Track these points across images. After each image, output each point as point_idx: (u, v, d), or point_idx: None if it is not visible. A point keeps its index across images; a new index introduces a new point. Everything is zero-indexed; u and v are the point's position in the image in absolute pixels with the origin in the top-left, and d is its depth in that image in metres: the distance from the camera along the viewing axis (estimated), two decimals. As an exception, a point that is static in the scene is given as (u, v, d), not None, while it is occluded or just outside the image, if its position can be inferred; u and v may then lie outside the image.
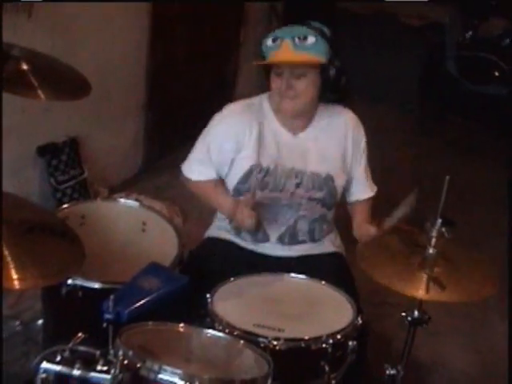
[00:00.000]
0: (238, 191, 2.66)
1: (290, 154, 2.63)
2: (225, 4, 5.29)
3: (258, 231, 2.67)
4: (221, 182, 2.72)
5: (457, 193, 4.19)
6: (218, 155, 2.66)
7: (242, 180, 2.63)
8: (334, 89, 2.59)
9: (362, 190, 2.80)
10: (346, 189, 2.78)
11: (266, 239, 2.70)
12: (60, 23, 3.74)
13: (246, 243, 2.74)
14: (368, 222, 2.68)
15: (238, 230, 2.74)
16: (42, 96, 2.48)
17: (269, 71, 2.59)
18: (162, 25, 4.58)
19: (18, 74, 2.49)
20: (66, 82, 2.62)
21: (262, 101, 2.69)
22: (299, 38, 2.46)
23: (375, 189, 2.83)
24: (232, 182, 2.67)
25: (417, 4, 6.35)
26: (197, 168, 2.71)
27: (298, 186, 2.63)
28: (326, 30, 2.53)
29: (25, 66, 2.50)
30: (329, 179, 2.65)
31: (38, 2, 3.45)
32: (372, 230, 2.56)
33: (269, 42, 2.51)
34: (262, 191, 2.61)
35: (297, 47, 2.46)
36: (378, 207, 4.09)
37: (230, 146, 2.63)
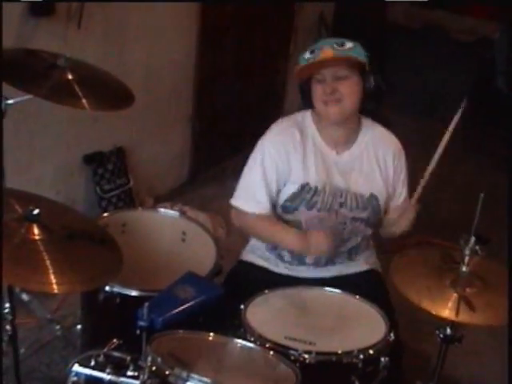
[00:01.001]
0: (285, 209, 2.63)
1: (335, 173, 2.61)
2: (275, 15, 5.31)
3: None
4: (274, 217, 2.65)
5: (501, 210, 4.17)
6: (276, 178, 2.59)
7: (291, 198, 2.60)
8: (373, 96, 2.57)
9: (395, 199, 2.75)
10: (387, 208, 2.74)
11: (303, 262, 2.68)
12: (109, 33, 3.81)
13: (279, 268, 2.72)
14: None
15: (272, 247, 2.72)
16: (87, 106, 2.54)
17: (305, 91, 2.58)
18: (210, 35, 4.61)
19: (64, 84, 2.55)
20: (110, 93, 2.68)
21: (305, 118, 2.66)
22: (337, 44, 2.49)
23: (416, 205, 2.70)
24: (280, 199, 2.63)
25: (467, 19, 6.31)
26: (252, 198, 2.60)
27: (341, 205, 2.61)
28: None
29: (70, 76, 2.56)
30: (373, 199, 2.63)
31: (88, 12, 3.51)
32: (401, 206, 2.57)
33: (306, 54, 2.52)
34: (309, 210, 2.59)
35: (336, 51, 2.47)
36: (427, 225, 4.09)
37: (283, 166, 2.58)
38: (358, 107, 2.58)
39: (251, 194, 2.61)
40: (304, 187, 2.58)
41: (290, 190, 2.59)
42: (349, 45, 2.49)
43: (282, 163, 2.57)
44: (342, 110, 2.53)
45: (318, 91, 2.55)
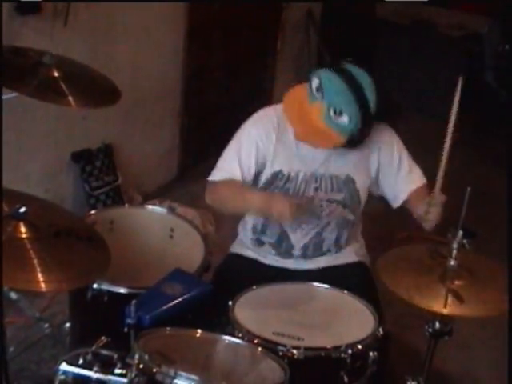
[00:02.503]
0: None
1: (312, 160, 2.63)
2: (262, 10, 5.30)
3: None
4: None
5: (491, 204, 4.18)
6: (255, 157, 2.61)
7: (265, 186, 2.64)
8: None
9: (403, 189, 2.70)
10: (387, 197, 2.74)
11: (290, 249, 2.69)
12: (96, 31, 3.79)
13: (269, 260, 2.73)
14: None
15: (259, 242, 2.74)
16: (73, 103, 2.53)
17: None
18: (198, 31, 4.60)
19: (50, 81, 2.54)
20: (96, 90, 2.68)
21: None
22: (335, 111, 2.44)
23: (424, 180, 2.72)
24: (258, 186, 2.66)
25: (455, 14, 6.32)
26: (225, 168, 2.63)
27: (316, 189, 2.63)
28: (367, 85, 2.46)
29: (56, 74, 2.55)
30: (349, 181, 2.64)
31: (74, 9, 3.50)
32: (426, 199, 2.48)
33: (314, 83, 2.48)
34: None
35: (327, 120, 2.45)
36: (415, 220, 4.09)
37: (264, 147, 2.61)
38: None
39: (223, 165, 2.64)
40: (277, 174, 2.62)
41: (264, 176, 2.64)
42: (343, 119, 2.44)
43: (261, 143, 2.60)
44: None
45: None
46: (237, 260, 2.77)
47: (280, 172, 2.62)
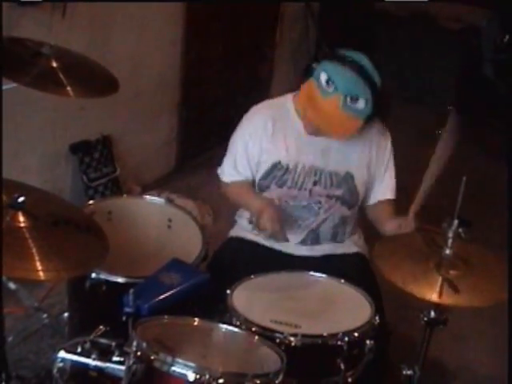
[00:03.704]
0: (260, 187, 2.71)
1: (310, 152, 2.66)
2: (261, 3, 5.30)
3: (277, 239, 2.66)
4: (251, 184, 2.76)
5: (489, 195, 4.19)
6: (246, 156, 2.70)
7: (264, 176, 2.68)
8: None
9: (382, 192, 2.77)
10: (368, 193, 2.77)
11: (287, 241, 2.70)
12: (95, 22, 3.79)
13: (270, 242, 2.75)
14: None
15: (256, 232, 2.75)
16: (71, 93, 2.53)
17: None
18: (196, 23, 4.60)
19: (48, 72, 2.54)
20: (94, 80, 2.68)
21: (286, 101, 2.71)
22: (351, 98, 2.46)
23: (394, 195, 2.79)
24: (256, 178, 2.72)
25: (454, 6, 6.31)
26: (229, 171, 2.76)
27: (315, 183, 2.65)
28: (375, 75, 2.51)
29: (55, 64, 2.55)
30: (348, 177, 2.67)
31: (73, 2, 3.51)
32: (399, 220, 2.57)
33: (323, 78, 2.49)
34: (280, 188, 2.65)
35: (345, 107, 2.47)
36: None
37: (254, 145, 2.67)
38: None
39: (228, 168, 2.77)
40: (276, 165, 2.65)
41: (263, 168, 2.67)
42: (361, 103, 2.47)
43: (251, 140, 2.68)
44: (317, 135, 2.62)
45: (305, 118, 2.61)
46: (237, 243, 2.80)
47: (279, 163, 2.65)
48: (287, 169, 2.64)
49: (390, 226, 2.63)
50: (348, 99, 2.46)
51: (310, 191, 2.65)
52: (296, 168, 2.64)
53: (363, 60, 2.50)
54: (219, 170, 2.81)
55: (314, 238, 2.71)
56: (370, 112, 2.50)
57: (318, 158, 2.65)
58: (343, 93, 2.46)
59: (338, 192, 2.66)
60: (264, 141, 2.66)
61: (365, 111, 2.49)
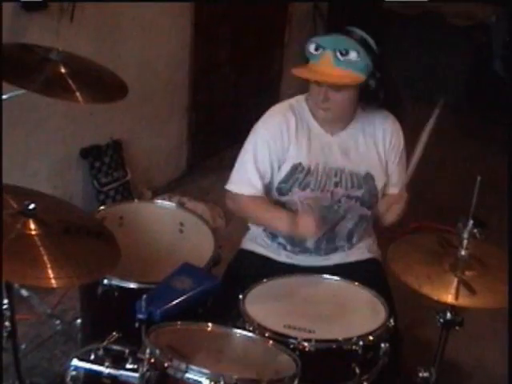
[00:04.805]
0: (279, 190, 2.64)
1: (330, 154, 2.62)
2: (269, 4, 5.29)
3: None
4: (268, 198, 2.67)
5: (500, 194, 4.16)
6: (269, 159, 2.60)
7: (284, 179, 2.61)
8: (373, 100, 2.57)
9: (392, 188, 2.73)
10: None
11: (304, 242, 2.67)
12: (103, 26, 3.79)
13: (282, 257, 2.72)
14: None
15: (273, 236, 2.72)
16: (80, 99, 2.53)
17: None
18: (205, 25, 4.59)
19: (57, 78, 2.54)
20: (103, 85, 2.68)
21: (301, 102, 2.67)
22: (341, 52, 2.43)
23: (404, 194, 2.69)
24: (274, 181, 2.64)
25: (464, 4, 6.29)
26: (248, 180, 2.61)
27: (336, 184, 2.61)
28: (370, 40, 2.49)
29: (63, 70, 2.55)
30: (369, 178, 2.64)
31: (80, 6, 3.50)
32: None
33: (311, 48, 2.49)
34: (303, 191, 2.60)
35: (337, 62, 2.43)
36: (424, 210, 4.06)
37: (276, 146, 2.59)
38: (351, 110, 2.61)
39: (243, 176, 2.63)
40: (297, 168, 2.59)
41: (283, 171, 2.61)
42: (352, 55, 2.43)
43: (274, 144, 2.59)
44: (330, 116, 2.58)
45: (313, 91, 2.56)
46: (249, 257, 2.76)
47: (300, 165, 2.59)
48: (309, 170, 2.59)
49: (381, 204, 2.63)
50: (338, 54, 2.42)
51: (332, 193, 2.61)
52: (317, 170, 2.59)
53: (352, 28, 2.50)
54: (230, 183, 2.66)
55: (330, 237, 2.67)
56: (370, 69, 2.46)
57: (338, 158, 2.62)
58: (331, 49, 2.43)
59: (359, 193, 2.63)
60: (286, 142, 2.59)
61: (361, 63, 2.44)
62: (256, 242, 2.78)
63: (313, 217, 2.46)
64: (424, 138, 2.46)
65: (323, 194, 2.61)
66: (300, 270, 2.64)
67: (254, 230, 2.80)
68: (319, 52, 2.46)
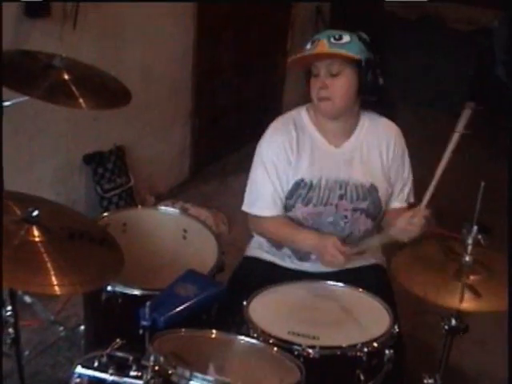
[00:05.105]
0: (284, 207, 2.63)
1: (333, 165, 2.60)
2: (271, 10, 5.31)
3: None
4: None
5: (503, 199, 4.14)
6: (278, 178, 2.60)
7: (288, 195, 2.60)
8: (371, 90, 2.55)
9: (394, 200, 2.72)
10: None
11: (307, 259, 2.68)
12: (106, 32, 3.80)
13: (287, 262, 2.71)
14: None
15: (277, 244, 2.71)
16: (84, 105, 2.53)
17: (309, 81, 2.58)
18: (207, 31, 4.61)
19: (60, 84, 2.55)
20: (106, 91, 2.68)
21: (301, 113, 2.66)
22: (334, 37, 2.47)
23: (411, 200, 2.73)
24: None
25: (465, 9, 6.29)
26: (264, 201, 2.62)
27: (341, 197, 2.60)
28: (362, 33, 2.53)
29: (66, 76, 2.56)
30: (373, 189, 2.62)
31: (83, 12, 3.51)
32: (408, 213, 2.46)
33: (308, 45, 2.52)
34: (305, 206, 2.58)
35: (332, 45, 2.47)
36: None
37: (282, 165, 2.59)
38: (353, 102, 2.58)
39: (262, 198, 2.62)
40: (299, 184, 2.58)
41: (286, 187, 2.60)
42: (346, 38, 2.48)
43: (279, 163, 2.58)
44: (333, 107, 2.55)
45: (312, 85, 2.56)
46: (254, 263, 2.75)
47: (302, 181, 2.58)
48: (311, 185, 2.58)
49: (401, 221, 2.47)
50: (332, 39, 2.46)
51: (336, 206, 2.59)
52: (320, 183, 2.58)
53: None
54: (247, 207, 2.66)
55: None
56: (359, 47, 2.48)
57: (342, 169, 2.60)
58: (325, 36, 2.48)
59: (363, 205, 2.61)
60: (291, 158, 2.58)
61: (354, 46, 2.48)
62: (262, 248, 2.77)
63: (339, 251, 2.45)
64: (450, 149, 2.42)
65: (326, 207, 2.60)
66: (305, 276, 2.63)
67: (259, 238, 2.79)
68: (314, 43, 2.50)
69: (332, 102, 2.53)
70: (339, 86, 2.51)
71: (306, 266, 2.69)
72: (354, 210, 2.61)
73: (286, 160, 2.58)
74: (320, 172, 2.59)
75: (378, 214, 2.67)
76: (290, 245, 2.66)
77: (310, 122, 2.63)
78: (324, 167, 2.59)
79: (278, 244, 2.71)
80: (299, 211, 2.60)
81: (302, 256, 2.68)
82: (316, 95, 2.54)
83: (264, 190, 2.61)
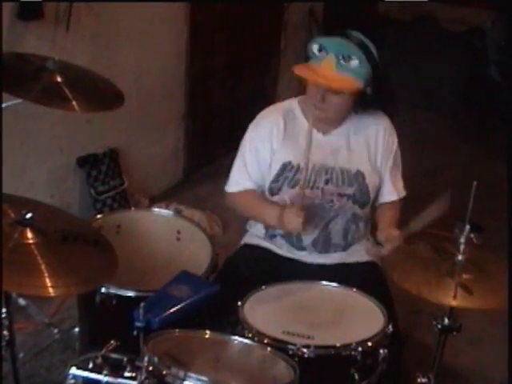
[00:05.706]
0: (271, 191, 2.69)
1: (320, 151, 2.63)
2: (264, 11, 5.31)
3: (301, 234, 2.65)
4: (262, 193, 2.74)
5: (497, 198, 4.16)
6: (257, 161, 2.68)
7: (275, 179, 2.66)
8: (368, 106, 2.62)
9: (386, 193, 2.77)
10: (377, 193, 2.76)
11: (300, 243, 2.70)
12: (99, 35, 3.80)
13: (283, 251, 2.74)
14: (394, 227, 2.63)
15: (272, 236, 2.75)
16: (77, 108, 2.53)
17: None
18: (200, 33, 4.60)
19: (53, 87, 2.54)
20: (99, 94, 2.68)
21: (292, 104, 2.72)
22: (344, 57, 2.45)
23: (402, 194, 2.79)
24: (266, 182, 2.70)
25: (458, 9, 6.31)
26: (238, 179, 2.73)
27: (327, 182, 2.64)
28: (371, 46, 2.52)
29: (59, 79, 2.56)
30: (359, 175, 2.65)
31: (76, 14, 3.51)
32: (395, 234, 2.53)
33: (314, 48, 2.52)
34: (292, 189, 2.63)
35: (339, 66, 2.46)
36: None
37: (264, 148, 2.66)
38: (347, 112, 2.64)
39: (233, 177, 2.74)
40: (286, 166, 2.64)
41: (273, 171, 2.66)
42: (354, 61, 2.46)
43: (262, 146, 2.66)
44: (324, 116, 2.61)
45: (310, 91, 2.59)
46: (250, 250, 2.79)
47: (289, 163, 2.64)
48: (298, 168, 2.62)
49: (386, 236, 2.58)
50: (340, 58, 2.45)
51: (323, 190, 2.64)
52: (307, 167, 2.59)
53: (354, 32, 2.53)
54: (227, 185, 2.78)
55: (325, 236, 2.69)
56: (368, 76, 2.50)
57: (328, 156, 2.65)
58: (335, 53, 2.46)
59: (350, 190, 2.64)
60: (275, 143, 2.65)
61: (361, 72, 2.48)
62: (258, 237, 2.82)
63: (297, 212, 2.49)
64: (419, 225, 2.46)
65: (313, 191, 2.64)
66: (302, 268, 2.68)
67: (254, 231, 2.83)
68: (322, 54, 2.50)
69: (326, 113, 2.59)
70: (337, 104, 2.57)
71: (301, 255, 2.73)
72: (340, 195, 2.65)
73: (269, 144, 2.66)
74: (308, 156, 2.61)
75: (365, 201, 2.70)
76: (254, 216, 2.77)
77: (299, 109, 2.70)
78: (311, 152, 2.60)
79: (270, 233, 2.75)
80: (286, 194, 2.65)
81: (295, 243, 2.71)
82: (313, 102, 2.57)
83: (236, 171, 2.74)
